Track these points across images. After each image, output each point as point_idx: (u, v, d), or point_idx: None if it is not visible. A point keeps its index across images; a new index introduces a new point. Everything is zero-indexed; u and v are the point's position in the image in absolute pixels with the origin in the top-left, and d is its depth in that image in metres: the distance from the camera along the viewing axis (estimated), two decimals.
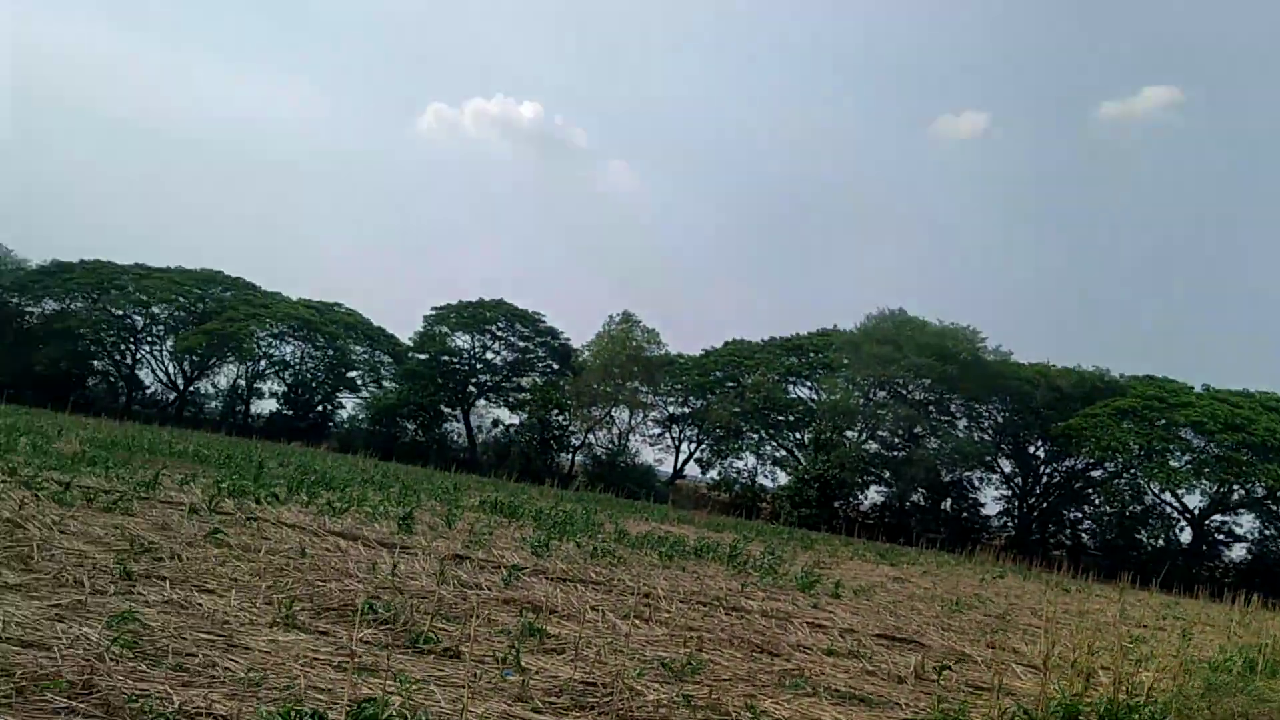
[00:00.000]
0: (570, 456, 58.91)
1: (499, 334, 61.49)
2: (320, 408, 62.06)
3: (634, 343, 57.52)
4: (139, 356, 62.08)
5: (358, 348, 62.49)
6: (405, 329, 63.65)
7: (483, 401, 61.60)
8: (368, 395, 61.81)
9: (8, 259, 63.07)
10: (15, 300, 59.88)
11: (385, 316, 66.13)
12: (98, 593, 6.63)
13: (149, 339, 61.88)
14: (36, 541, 7.95)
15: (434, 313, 61.66)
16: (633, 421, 58.33)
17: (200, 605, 6.72)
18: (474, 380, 61.17)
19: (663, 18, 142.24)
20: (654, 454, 59.12)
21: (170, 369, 62.19)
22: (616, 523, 21.88)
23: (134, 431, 32.79)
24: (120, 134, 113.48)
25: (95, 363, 61.35)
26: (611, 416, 58.12)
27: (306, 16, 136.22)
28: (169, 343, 61.12)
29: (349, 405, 62.53)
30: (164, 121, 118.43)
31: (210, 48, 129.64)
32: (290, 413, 60.29)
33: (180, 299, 61.38)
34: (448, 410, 60.51)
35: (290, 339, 61.28)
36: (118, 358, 61.95)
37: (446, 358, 60.18)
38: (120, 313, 60.56)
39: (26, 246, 65.23)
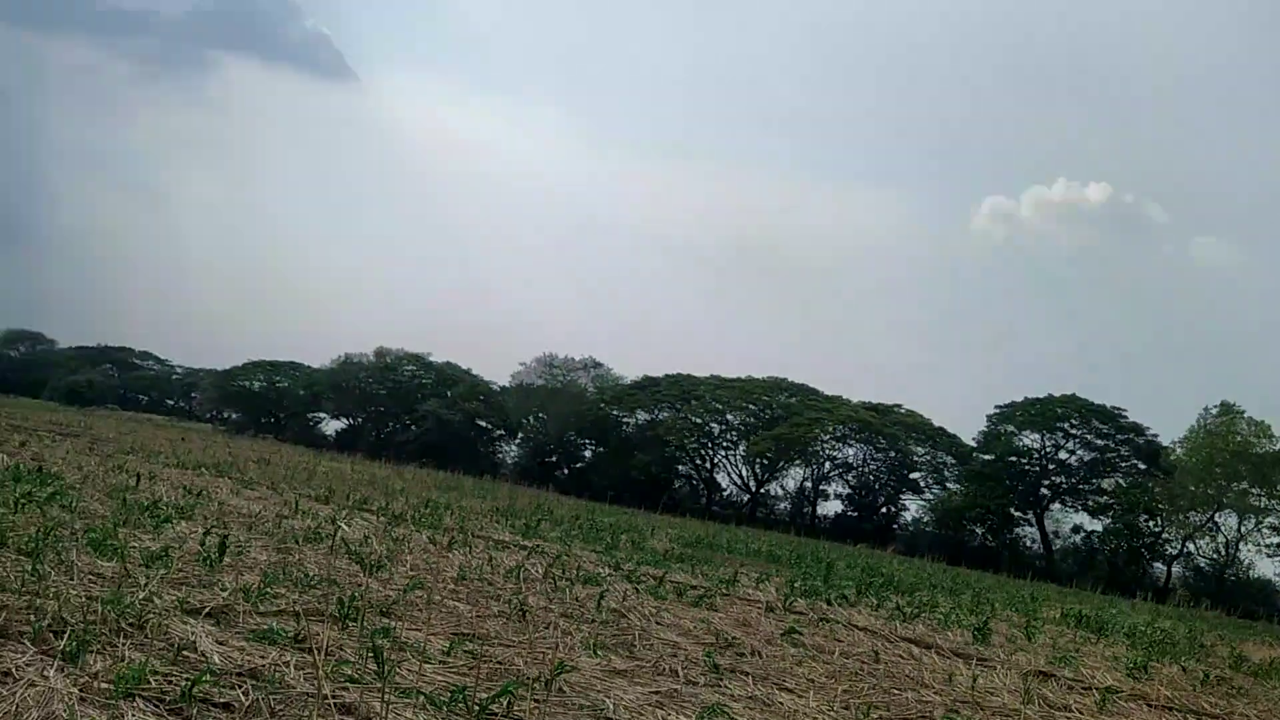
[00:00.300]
0: (1165, 567, 52.91)
1: (1072, 432, 57.49)
2: (884, 509, 62.39)
3: (1238, 438, 50.57)
4: (716, 460, 67.50)
5: (919, 449, 62.29)
6: (966, 429, 62.24)
7: (1057, 505, 57.85)
8: (931, 497, 61.03)
9: (608, 377, 73.08)
10: (615, 412, 68.64)
11: (945, 416, 65.19)
12: (690, 683, 6.94)
13: (724, 444, 67.08)
14: (637, 631, 8.63)
15: (998, 411, 59.50)
16: (1243, 529, 51.03)
17: (781, 704, 6.75)
18: (1046, 482, 57.63)
19: (1231, 84, 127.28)
20: (1274, 567, 51.02)
21: (743, 472, 66.60)
22: (1231, 645, 18.92)
23: (713, 530, 35.31)
24: (676, 256, 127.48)
25: (680, 466, 67.77)
26: (1215, 523, 51.35)
27: (872, 127, 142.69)
28: (741, 447, 65.66)
29: (912, 507, 62.28)
30: (722, 239, 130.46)
31: (757, 167, 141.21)
32: (855, 514, 61.38)
33: (750, 406, 66.11)
34: (1018, 514, 57.69)
35: (852, 441, 62.84)
36: (698, 462, 67.81)
37: (1014, 458, 57.54)
38: (699, 420, 66.43)
39: (623, 365, 74.83)
